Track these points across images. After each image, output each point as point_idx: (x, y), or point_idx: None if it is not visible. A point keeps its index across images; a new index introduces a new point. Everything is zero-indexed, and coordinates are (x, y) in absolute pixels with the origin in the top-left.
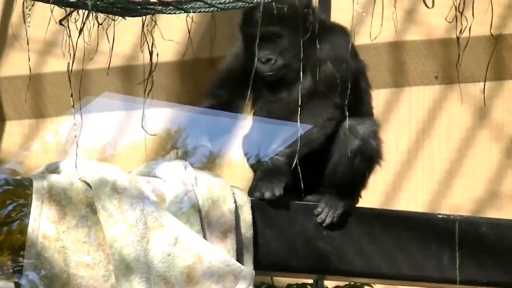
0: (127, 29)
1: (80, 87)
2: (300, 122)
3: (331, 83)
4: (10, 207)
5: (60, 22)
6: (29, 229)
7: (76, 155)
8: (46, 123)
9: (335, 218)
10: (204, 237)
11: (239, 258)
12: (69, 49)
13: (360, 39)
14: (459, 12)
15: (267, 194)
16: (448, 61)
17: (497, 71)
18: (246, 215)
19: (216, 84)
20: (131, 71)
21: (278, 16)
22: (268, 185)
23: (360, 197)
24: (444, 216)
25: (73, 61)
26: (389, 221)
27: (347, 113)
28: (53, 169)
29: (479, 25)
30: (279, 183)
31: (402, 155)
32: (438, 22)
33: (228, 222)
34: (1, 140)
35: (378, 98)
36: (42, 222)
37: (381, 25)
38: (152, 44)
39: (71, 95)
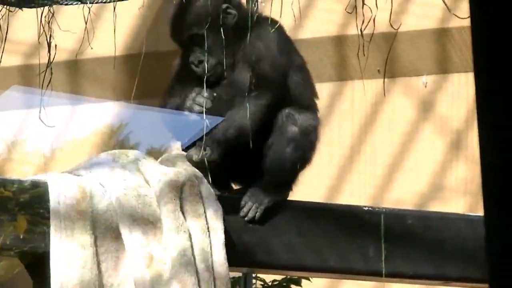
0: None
1: None
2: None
3: (262, 80)
4: None
5: None
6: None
7: None
8: None
9: (257, 213)
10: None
11: None
12: None
13: (303, 33)
14: (363, 3)
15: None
16: (391, 55)
17: (441, 64)
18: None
19: (167, 95)
20: (75, 65)
21: (197, 16)
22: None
23: (291, 190)
24: (370, 208)
25: None
26: (315, 213)
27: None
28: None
29: (422, 19)
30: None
31: (345, 149)
32: (380, 16)
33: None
34: None
35: (321, 92)
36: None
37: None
38: (51, 35)
39: None
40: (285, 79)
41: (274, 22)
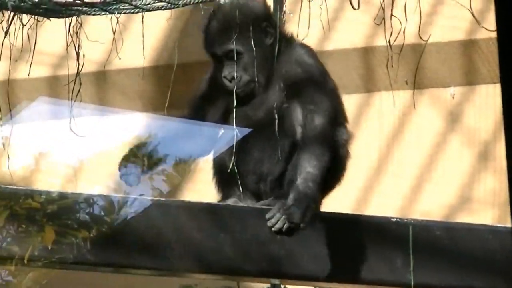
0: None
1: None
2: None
3: (314, 104)
4: None
5: None
6: None
7: (8, 156)
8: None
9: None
10: None
11: None
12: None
13: (331, 45)
14: (392, 15)
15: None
16: (418, 67)
17: (469, 76)
18: None
19: (192, 106)
20: (103, 76)
21: (236, 32)
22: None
23: (320, 203)
24: (398, 219)
25: None
26: (343, 224)
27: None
28: None
29: (450, 31)
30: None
31: (373, 161)
32: (407, 28)
33: None
34: None
35: (348, 103)
36: None
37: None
38: (79, 45)
39: None
40: (331, 100)
41: (306, 46)
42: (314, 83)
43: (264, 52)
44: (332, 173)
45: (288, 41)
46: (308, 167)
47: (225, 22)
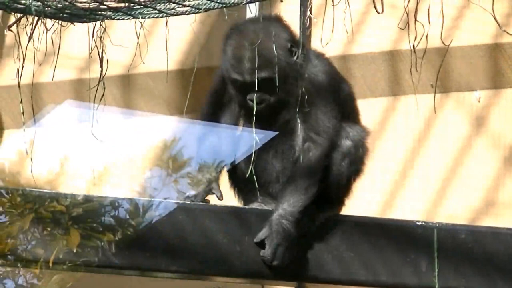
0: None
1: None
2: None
3: (313, 126)
4: None
5: (9, 28)
6: None
7: (31, 160)
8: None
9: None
10: None
11: None
12: (18, 55)
13: (357, 49)
14: (415, 19)
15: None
16: (444, 70)
17: (494, 79)
18: None
19: (207, 108)
20: (128, 79)
21: (267, 60)
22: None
23: (344, 204)
24: (423, 223)
25: (22, 67)
26: (367, 228)
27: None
28: None
29: (475, 34)
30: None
31: (398, 164)
32: (434, 31)
33: None
34: None
35: (375, 106)
36: None
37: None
38: (103, 50)
39: (21, 102)
40: (341, 106)
41: (320, 55)
42: (320, 105)
43: (291, 71)
44: (352, 172)
45: (306, 54)
46: (285, 203)
47: (253, 50)
